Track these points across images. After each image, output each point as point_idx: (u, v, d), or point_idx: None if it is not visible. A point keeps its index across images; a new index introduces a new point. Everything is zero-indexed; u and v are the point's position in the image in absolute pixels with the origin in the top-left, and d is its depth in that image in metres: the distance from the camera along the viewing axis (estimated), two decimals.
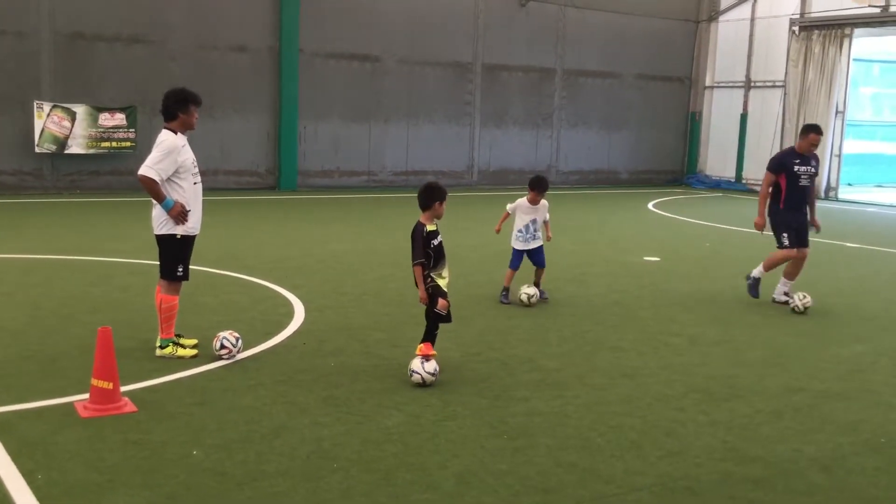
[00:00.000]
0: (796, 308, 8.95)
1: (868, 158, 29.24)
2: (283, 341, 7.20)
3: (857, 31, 22.99)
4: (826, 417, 5.80)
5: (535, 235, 9.13)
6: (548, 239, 9.24)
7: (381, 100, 21.81)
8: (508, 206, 9.20)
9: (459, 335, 7.51)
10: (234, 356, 6.52)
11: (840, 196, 23.68)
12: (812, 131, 9.17)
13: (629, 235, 15.06)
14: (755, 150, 25.33)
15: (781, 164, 9.20)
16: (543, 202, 9.16)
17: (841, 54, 23.05)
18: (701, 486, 4.63)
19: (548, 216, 9.25)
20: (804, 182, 9.18)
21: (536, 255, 9.13)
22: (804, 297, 8.96)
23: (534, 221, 9.10)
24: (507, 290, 9.02)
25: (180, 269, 6.53)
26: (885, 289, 10.69)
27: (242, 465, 4.70)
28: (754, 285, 9.44)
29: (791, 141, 24.08)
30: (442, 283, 6.41)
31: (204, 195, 6.81)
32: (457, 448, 5.03)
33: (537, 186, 9.06)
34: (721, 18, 26.44)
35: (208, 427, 5.23)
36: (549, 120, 24.72)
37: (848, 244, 14.55)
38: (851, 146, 26.42)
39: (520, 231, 9.11)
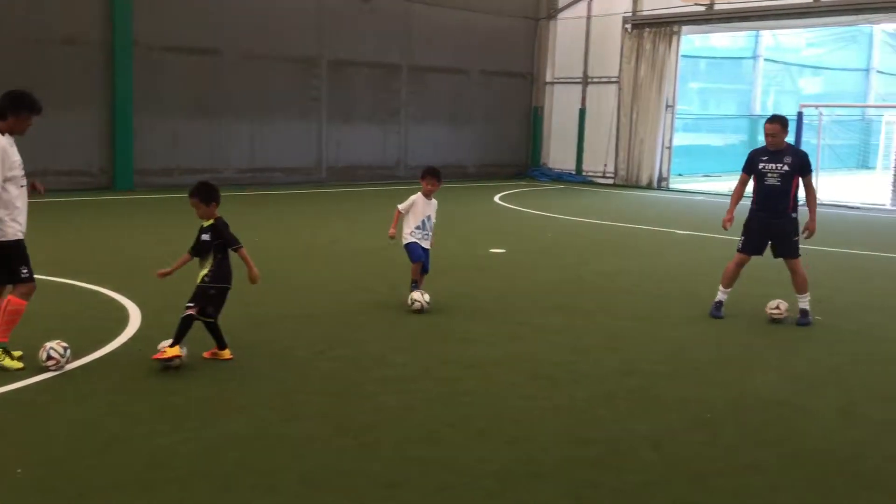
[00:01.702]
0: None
1: (696, 150, 30.96)
2: (116, 348, 6.87)
3: (684, 28, 24.30)
4: (656, 397, 6.10)
5: (429, 234, 8.68)
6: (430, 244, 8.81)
7: (223, 95, 21.20)
8: (401, 206, 8.61)
9: (306, 333, 7.41)
10: (63, 367, 6.16)
11: (671, 186, 24.95)
12: (767, 122, 8.43)
13: (476, 228, 15.34)
14: (594, 143, 26.40)
15: (749, 162, 8.51)
16: (434, 200, 8.73)
17: (670, 51, 24.30)
18: (544, 470, 4.75)
19: (434, 214, 8.81)
20: (770, 181, 8.30)
21: (426, 258, 8.66)
22: (776, 307, 8.46)
23: (429, 218, 8.61)
24: (416, 282, 8.58)
25: (24, 271, 6.24)
26: (714, 271, 11.31)
27: (71, 481, 4.45)
28: (716, 307, 8.61)
29: (626, 134, 25.25)
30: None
31: (35, 197, 6.51)
32: (301, 449, 4.96)
33: (434, 174, 8.60)
34: (559, 16, 27.30)
35: (34, 443, 4.93)
36: (397, 116, 24.81)
37: (678, 231, 15.34)
38: (681, 139, 27.90)
39: (417, 227, 8.56)
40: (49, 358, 6.12)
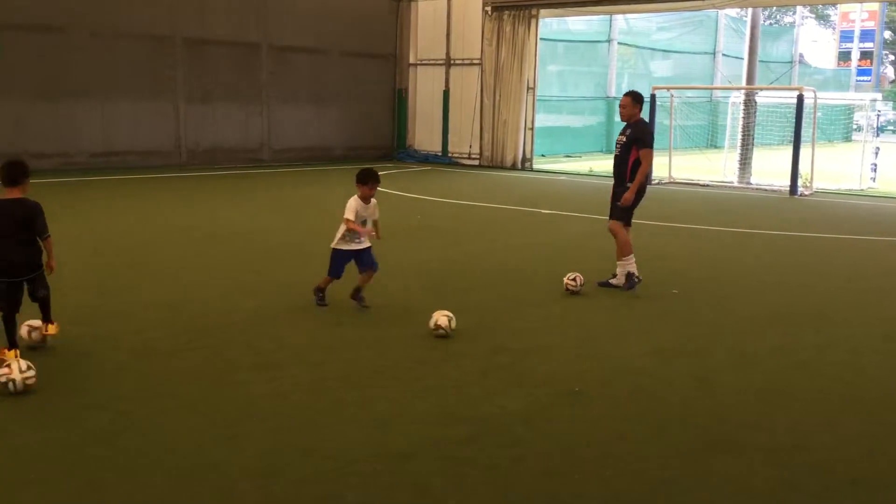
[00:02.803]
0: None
1: (557, 131, 31.77)
2: None
3: (542, 11, 24.80)
4: (526, 373, 6.24)
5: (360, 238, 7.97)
6: (377, 237, 8.09)
7: (70, 75, 20.11)
8: (350, 216, 7.77)
9: (170, 324, 7.18)
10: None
11: (535, 166, 25.52)
12: (623, 96, 8.96)
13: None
14: (458, 125, 26.64)
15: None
16: (374, 201, 8.01)
17: (530, 34, 24.75)
18: (415, 451, 4.79)
19: (377, 214, 8.12)
20: (616, 151, 8.97)
21: (366, 256, 7.97)
22: (573, 279, 8.79)
23: (364, 223, 7.92)
24: (322, 290, 8.03)
25: None
26: (573, 249, 11.66)
27: None
28: (629, 278, 8.92)
29: (490, 116, 25.59)
30: None
31: None
32: (171, 443, 4.80)
33: (370, 178, 7.90)
34: None
35: None
36: (259, 97, 24.23)
37: (542, 210, 15.71)
38: (542, 120, 28.55)
39: (349, 231, 7.83)
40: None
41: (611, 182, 9.23)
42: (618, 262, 8.98)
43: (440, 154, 27.01)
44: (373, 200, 8.00)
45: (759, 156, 23.20)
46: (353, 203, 7.84)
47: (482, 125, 25.89)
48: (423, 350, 6.73)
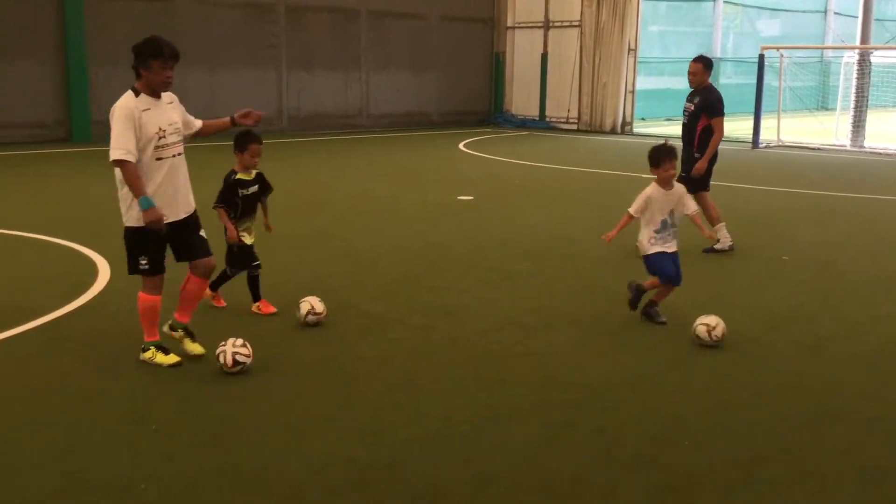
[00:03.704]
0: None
1: (658, 94, 30.99)
2: (86, 303, 6.80)
3: None
4: (630, 341, 6.19)
5: (673, 234, 6.42)
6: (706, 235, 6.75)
7: (177, 42, 20.61)
8: (633, 209, 6.38)
9: (279, 289, 7.40)
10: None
11: (635, 130, 25.03)
12: (691, 61, 8.80)
13: (443, 176, 15.30)
14: (556, 89, 26.31)
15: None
16: (679, 187, 6.44)
17: None
18: (521, 414, 4.83)
19: (694, 207, 6.54)
20: (684, 119, 8.93)
21: (676, 271, 6.41)
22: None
23: (671, 214, 6.33)
24: (656, 303, 6.54)
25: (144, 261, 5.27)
26: None
27: (53, 434, 4.43)
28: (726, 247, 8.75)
29: (588, 79, 25.18)
30: (245, 239, 6.42)
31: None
32: (287, 399, 4.97)
33: (671, 154, 6.29)
34: None
35: (17, 396, 4.89)
36: (358, 62, 24.46)
37: (643, 175, 15.40)
38: (644, 82, 27.89)
39: (658, 230, 6.34)
40: (235, 363, 5.22)
41: None
42: (715, 228, 8.69)
43: (537, 118, 26.77)
44: (677, 185, 6.40)
45: (873, 118, 22.16)
46: (649, 190, 6.31)
47: (581, 89, 25.51)
48: (523, 315, 6.75)
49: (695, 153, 8.73)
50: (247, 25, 21.96)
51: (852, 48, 24.38)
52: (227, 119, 5.96)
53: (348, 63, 24.19)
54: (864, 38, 21.91)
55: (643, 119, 27.55)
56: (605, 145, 21.75)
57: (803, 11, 37.99)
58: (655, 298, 6.50)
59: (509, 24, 27.44)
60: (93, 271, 7.75)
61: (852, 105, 21.70)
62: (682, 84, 31.25)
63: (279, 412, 4.79)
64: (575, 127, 25.74)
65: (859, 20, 22.44)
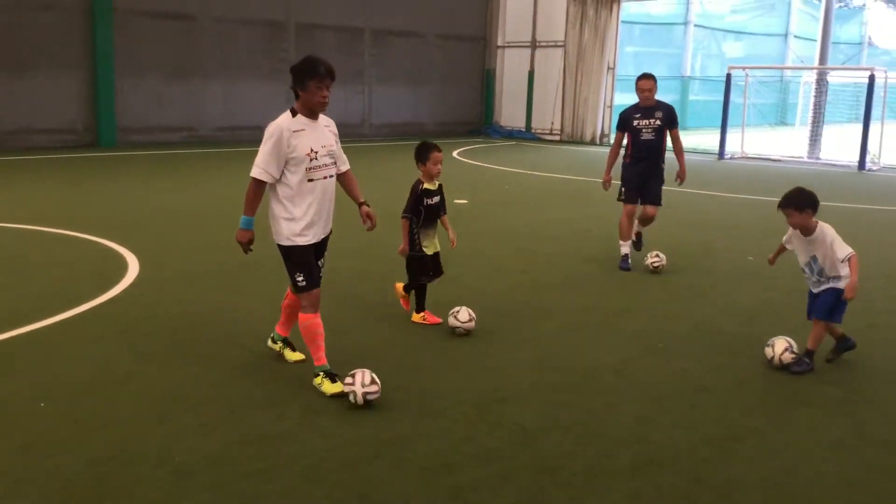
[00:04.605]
0: (651, 266, 8.08)
1: None
2: (119, 294, 6.81)
3: None
4: (615, 329, 6.25)
5: (819, 280, 5.49)
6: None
7: (198, 57, 20.70)
8: (784, 238, 5.78)
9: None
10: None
11: (612, 141, 25.06)
12: (640, 79, 8.20)
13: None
14: (541, 102, 26.40)
15: (623, 121, 8.31)
16: (826, 230, 5.37)
17: (611, 17, 24.25)
18: (516, 395, 4.88)
19: (845, 251, 5.32)
20: (646, 136, 8.16)
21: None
22: (656, 255, 8.12)
23: (814, 259, 5.46)
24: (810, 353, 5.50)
25: (300, 278, 4.82)
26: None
27: (94, 411, 4.46)
28: (623, 260, 8.36)
29: (571, 94, 25.26)
30: (427, 248, 6.08)
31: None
32: (306, 378, 5.00)
33: (798, 202, 5.36)
34: None
35: (54, 379, 4.91)
36: (361, 76, 24.46)
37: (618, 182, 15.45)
38: (620, 98, 27.93)
39: (802, 271, 5.70)
40: (366, 402, 4.61)
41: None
42: (643, 228, 8.45)
43: (524, 130, 26.82)
44: (825, 230, 5.38)
45: (828, 132, 22.30)
46: (789, 231, 5.62)
47: (564, 103, 25.57)
48: (515, 306, 6.79)
49: (662, 164, 8.26)
50: (261, 42, 21.95)
51: (811, 69, 24.54)
52: (357, 202, 5.23)
53: (352, 77, 24.19)
54: (822, 59, 22.06)
55: None
56: (586, 155, 21.82)
57: (766, 34, 38.20)
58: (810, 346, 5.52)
59: (500, 43, 27.48)
60: (123, 265, 7.76)
61: (810, 120, 21.86)
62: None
63: (297, 391, 4.82)
64: (558, 138, 25.80)
65: (818, 43, 22.58)
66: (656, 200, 8.31)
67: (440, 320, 6.14)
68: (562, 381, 5.12)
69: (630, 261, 8.36)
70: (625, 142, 8.41)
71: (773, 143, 23.15)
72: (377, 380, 4.58)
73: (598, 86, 24.63)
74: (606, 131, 25.10)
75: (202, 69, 20.83)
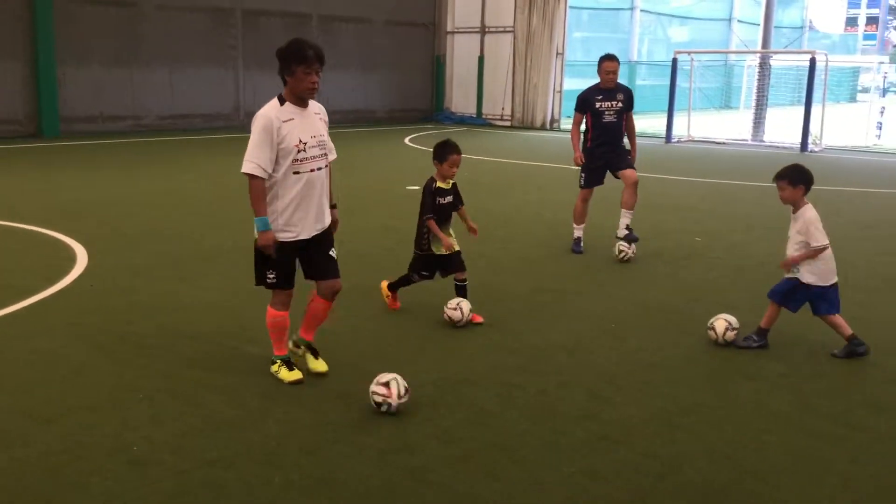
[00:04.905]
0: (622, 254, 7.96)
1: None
2: (68, 285, 6.70)
3: None
4: (566, 311, 6.36)
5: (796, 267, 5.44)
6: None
7: (141, 45, 20.27)
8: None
9: None
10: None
11: (562, 126, 25.33)
12: (605, 60, 8.04)
13: (392, 168, 15.31)
14: (492, 88, 26.48)
15: (583, 102, 8.15)
16: (809, 211, 5.47)
17: (559, 3, 24.39)
18: (476, 377, 4.95)
19: (820, 241, 5.34)
20: (608, 118, 8.06)
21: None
22: (625, 244, 8.01)
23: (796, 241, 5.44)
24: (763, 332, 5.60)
25: (271, 275, 4.62)
26: (605, 200, 11.66)
27: (46, 404, 4.40)
28: (576, 243, 8.43)
29: (521, 80, 25.39)
30: (437, 248, 5.95)
31: None
32: (263, 369, 5.00)
33: (793, 176, 5.58)
34: None
35: (4, 373, 4.82)
36: None
37: (570, 167, 15.65)
38: (569, 84, 28.18)
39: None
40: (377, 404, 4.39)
41: None
42: (627, 212, 8.16)
43: (475, 116, 26.89)
44: (806, 209, 5.49)
45: (771, 115, 22.83)
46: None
47: (514, 88, 25.70)
48: (471, 290, 6.85)
49: (622, 144, 8.26)
50: (207, 29, 21.58)
51: (754, 53, 25.05)
52: (333, 203, 4.95)
53: None
54: (765, 43, 22.52)
55: (568, 116, 27.82)
56: (536, 140, 21.99)
57: (710, 19, 38.84)
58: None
59: (449, 28, 27.46)
60: (71, 256, 7.63)
61: (753, 104, 22.33)
62: None
63: (253, 379, 4.82)
64: (508, 123, 25.93)
65: (760, 27, 23.05)
66: (628, 164, 8.16)
67: (399, 307, 6.21)
68: (516, 363, 5.21)
69: (582, 244, 8.47)
70: (583, 127, 8.32)
71: (719, 127, 23.61)
72: (409, 388, 4.37)
73: (548, 71, 24.80)
74: (556, 116, 25.30)
75: (146, 57, 20.41)
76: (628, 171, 8.15)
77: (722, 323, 5.62)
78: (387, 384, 4.34)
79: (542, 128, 24.95)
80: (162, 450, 3.91)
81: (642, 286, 7.16)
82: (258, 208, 4.43)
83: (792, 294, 5.52)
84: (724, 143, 21.33)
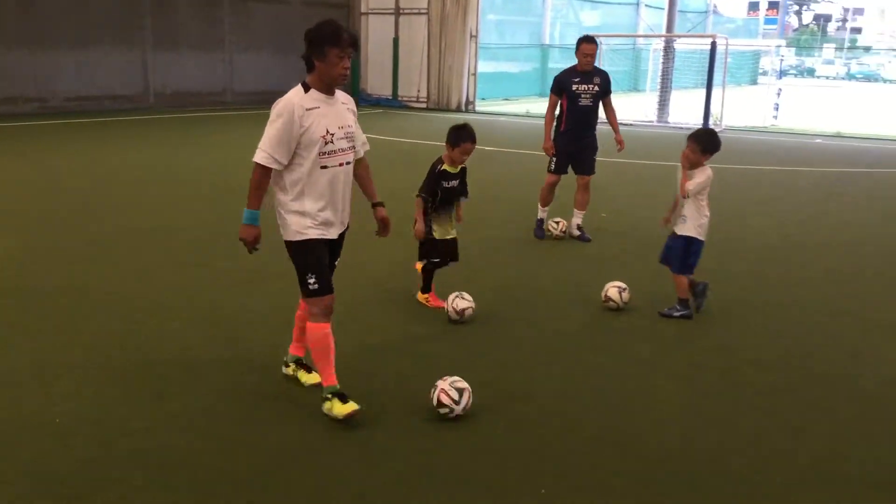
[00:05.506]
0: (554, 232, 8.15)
1: (496, 76, 31.79)
2: None
3: None
4: (480, 284, 6.62)
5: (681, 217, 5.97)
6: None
7: (44, 24, 19.57)
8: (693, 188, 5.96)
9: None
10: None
11: (477, 109, 25.70)
12: (583, 42, 7.80)
13: None
14: (407, 70, 26.59)
15: (560, 84, 7.94)
16: (707, 170, 5.90)
17: None
18: (391, 346, 5.17)
19: (700, 196, 5.94)
20: (584, 101, 7.87)
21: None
22: (558, 223, 8.27)
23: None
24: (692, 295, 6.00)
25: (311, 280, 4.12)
26: (527, 183, 12.04)
27: None
28: (538, 225, 8.38)
29: (436, 62, 25.58)
30: (438, 232, 5.76)
31: None
32: (178, 341, 5.10)
33: (703, 141, 5.87)
34: None
35: None
36: (222, 44, 23.84)
37: (487, 148, 16.00)
38: (483, 66, 28.57)
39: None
40: (440, 404, 4.18)
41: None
42: (580, 213, 8.32)
43: (391, 98, 26.97)
44: (704, 169, 5.91)
45: (675, 97, 23.70)
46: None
47: (429, 71, 25.89)
48: (393, 271, 7.07)
49: (595, 131, 8.11)
50: (115, 9, 20.97)
51: (659, 36, 25.91)
52: (371, 201, 4.73)
53: (213, 44, 23.55)
54: (669, 27, 23.35)
55: (483, 99, 28.28)
56: (452, 121, 22.14)
57: (619, 3, 39.81)
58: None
59: (363, 10, 27.38)
60: None
61: (658, 86, 23.14)
62: (517, 68, 31.81)
63: (177, 355, 4.93)
64: (424, 105, 26.13)
65: (665, 12, 23.86)
66: (591, 170, 8.21)
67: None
68: (428, 333, 5.46)
69: (545, 227, 8.34)
70: (557, 110, 8.12)
71: (627, 109, 24.28)
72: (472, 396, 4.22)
73: (462, 53, 25.08)
74: (471, 98, 25.63)
75: (51, 37, 19.73)
76: (586, 179, 8.20)
77: (614, 291, 5.97)
78: (461, 391, 4.14)
79: (458, 109, 25.25)
80: (86, 422, 4.01)
81: (551, 261, 7.51)
82: (252, 198, 4.04)
83: (685, 255, 5.88)
84: (631, 125, 22.05)
